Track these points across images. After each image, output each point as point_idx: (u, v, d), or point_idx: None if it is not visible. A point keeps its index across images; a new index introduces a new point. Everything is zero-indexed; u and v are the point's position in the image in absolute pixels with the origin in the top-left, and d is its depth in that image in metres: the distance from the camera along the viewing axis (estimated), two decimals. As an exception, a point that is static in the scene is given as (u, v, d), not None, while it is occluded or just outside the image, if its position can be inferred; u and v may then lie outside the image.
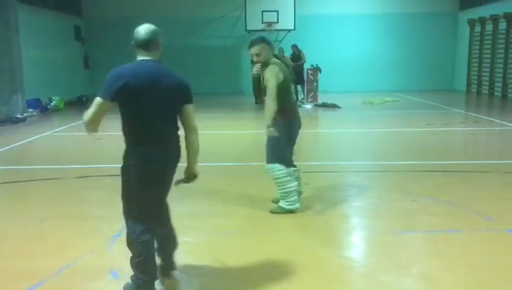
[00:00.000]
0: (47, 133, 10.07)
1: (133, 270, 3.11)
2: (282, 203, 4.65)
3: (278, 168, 4.55)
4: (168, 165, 3.13)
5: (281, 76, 4.39)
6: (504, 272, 3.43)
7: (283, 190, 4.61)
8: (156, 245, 3.21)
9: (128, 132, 2.98)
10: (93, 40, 18.66)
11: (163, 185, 3.18)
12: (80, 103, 15.20)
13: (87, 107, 2.99)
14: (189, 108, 3.15)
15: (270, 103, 4.39)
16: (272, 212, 4.68)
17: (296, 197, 4.64)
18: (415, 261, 3.66)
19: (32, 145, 8.85)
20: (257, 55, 4.47)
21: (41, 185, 6.00)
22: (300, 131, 4.71)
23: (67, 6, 17.20)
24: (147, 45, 3.06)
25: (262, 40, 4.55)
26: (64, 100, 14.63)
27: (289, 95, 4.58)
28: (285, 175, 4.57)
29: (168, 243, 3.37)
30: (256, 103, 14.65)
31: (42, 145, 8.96)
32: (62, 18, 16.84)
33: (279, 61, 4.55)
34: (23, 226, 4.47)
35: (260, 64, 4.52)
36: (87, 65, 18.50)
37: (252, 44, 4.51)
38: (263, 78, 4.46)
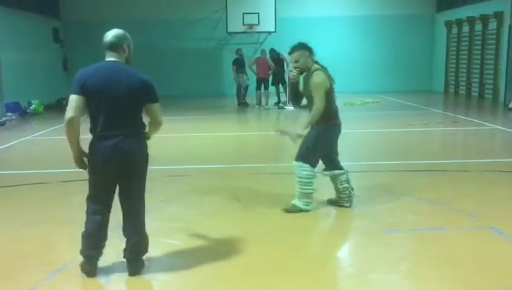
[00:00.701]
0: (27, 137, 9.93)
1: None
2: (297, 202, 4.71)
3: (306, 169, 4.59)
4: (110, 159, 3.31)
5: (327, 82, 4.46)
6: (489, 269, 3.53)
7: (302, 190, 4.66)
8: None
9: (90, 125, 3.36)
10: (72, 42, 18.44)
11: (107, 178, 3.39)
12: (59, 107, 14.99)
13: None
14: (152, 107, 3.42)
15: (318, 109, 4.43)
16: (286, 210, 4.73)
17: (311, 200, 4.73)
18: (402, 259, 3.73)
19: (13, 150, 8.71)
20: (296, 61, 4.53)
21: (25, 190, 5.92)
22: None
23: (45, 9, 16.97)
24: (111, 47, 3.37)
25: (302, 46, 4.57)
26: (44, 104, 14.43)
27: (333, 100, 4.60)
28: (309, 177, 4.62)
29: (130, 240, 3.51)
30: (277, 104, 14.51)
31: (23, 149, 8.83)
32: (40, 20, 16.61)
33: (322, 67, 4.57)
34: (8, 232, 4.41)
35: (297, 70, 4.56)
36: (66, 68, 18.27)
37: (292, 50, 4.56)
38: (303, 83, 4.54)
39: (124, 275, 3.56)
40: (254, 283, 3.40)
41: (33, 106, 13.80)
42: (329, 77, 4.53)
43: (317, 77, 4.45)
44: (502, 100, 14.33)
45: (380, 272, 3.52)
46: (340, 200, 4.86)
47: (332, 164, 4.79)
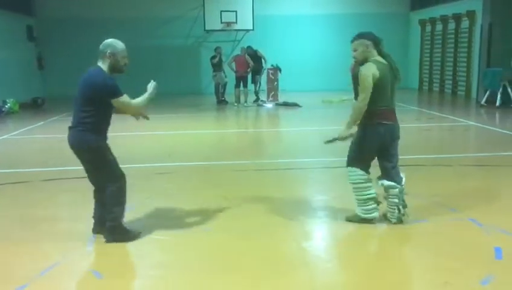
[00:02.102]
0: (4, 136, 9.77)
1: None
2: (358, 211, 4.31)
3: (356, 172, 4.21)
4: (70, 146, 3.89)
5: (378, 74, 3.97)
6: (469, 257, 3.69)
7: (360, 197, 4.25)
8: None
9: None
10: (46, 40, 18.13)
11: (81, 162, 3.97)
12: (35, 105, 14.77)
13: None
14: (117, 101, 3.88)
15: (359, 105, 4.04)
16: (348, 220, 4.39)
17: (374, 205, 4.26)
18: (386, 250, 3.87)
19: (-9, 149, 8.58)
20: (354, 50, 4.15)
21: (8, 189, 5.86)
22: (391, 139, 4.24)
23: (19, 6, 16.63)
24: (98, 53, 3.91)
25: (363, 35, 4.17)
26: (19, 102, 14.18)
27: (384, 97, 4.09)
28: (363, 181, 4.20)
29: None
30: (256, 102, 14.60)
31: (1, 149, 8.69)
32: (14, 18, 16.28)
33: (380, 60, 4.10)
34: (-5, 231, 4.40)
35: (355, 61, 4.20)
36: (41, 66, 17.97)
37: (353, 38, 4.19)
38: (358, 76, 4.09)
39: (117, 272, 3.60)
40: (243, 276, 3.48)
41: (8, 104, 13.54)
42: (383, 71, 4.03)
43: (363, 68, 4.02)
44: (474, 96, 14.74)
45: (365, 262, 3.64)
46: (388, 214, 4.36)
47: (384, 171, 4.28)
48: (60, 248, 3.81)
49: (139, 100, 4.10)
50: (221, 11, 17.18)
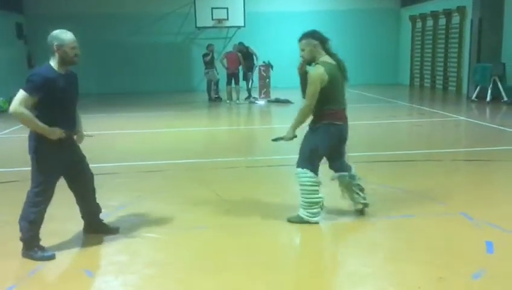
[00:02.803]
0: (-6, 135, 9.69)
1: None
2: (301, 213, 4.29)
3: (306, 174, 4.18)
4: None
5: (326, 77, 3.99)
6: (461, 251, 3.71)
7: (306, 199, 4.23)
8: None
9: None
10: (36, 38, 17.92)
11: None
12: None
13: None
14: (18, 92, 3.51)
15: (306, 106, 4.08)
16: (289, 221, 4.34)
17: (318, 210, 4.26)
18: (379, 245, 3.87)
19: (-20, 148, 8.50)
20: (302, 50, 4.13)
21: (-2, 189, 5.81)
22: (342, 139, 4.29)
23: (7, 3, 16.46)
24: (47, 49, 3.63)
25: (310, 34, 4.14)
26: (9, 101, 14.03)
27: (335, 98, 4.11)
28: (312, 183, 4.18)
29: None
30: (248, 99, 14.58)
31: (-9, 148, 8.62)
32: (3, 15, 16.12)
33: (328, 60, 4.10)
34: (-15, 231, 4.36)
35: (304, 61, 4.18)
36: (30, 64, 17.78)
37: (300, 38, 4.16)
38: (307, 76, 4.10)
39: (109, 270, 3.58)
40: (236, 274, 3.47)
41: (-2, 103, 13.43)
42: (331, 71, 4.04)
43: (313, 71, 4.03)
44: (465, 92, 14.82)
45: (358, 258, 3.65)
46: (351, 202, 4.50)
47: (334, 168, 4.40)
48: (49, 247, 3.77)
49: (29, 117, 3.49)
50: (212, 8, 17.13)
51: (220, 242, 4.04)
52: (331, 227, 4.38)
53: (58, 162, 3.71)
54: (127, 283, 3.34)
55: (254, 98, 14.70)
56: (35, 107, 3.52)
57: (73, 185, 3.95)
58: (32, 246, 3.65)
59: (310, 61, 4.13)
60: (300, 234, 4.29)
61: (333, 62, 4.12)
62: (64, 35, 3.62)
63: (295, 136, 4.27)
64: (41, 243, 3.72)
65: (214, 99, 14.90)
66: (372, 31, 19.45)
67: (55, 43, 3.58)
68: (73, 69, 3.86)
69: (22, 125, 3.62)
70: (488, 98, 12.77)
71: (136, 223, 4.43)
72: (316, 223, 4.26)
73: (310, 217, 4.24)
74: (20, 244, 3.69)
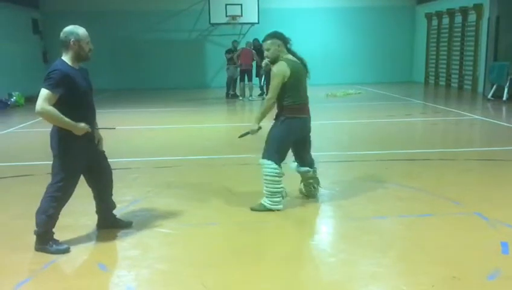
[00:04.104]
0: (9, 130, 9.81)
1: None
2: (264, 201, 4.54)
3: (271, 166, 4.42)
4: None
5: (288, 73, 4.27)
6: (475, 251, 3.67)
7: (269, 189, 4.49)
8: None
9: None
10: (51, 33, 18.09)
11: None
12: (39, 99, 14.79)
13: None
14: (41, 90, 3.51)
15: (267, 101, 4.38)
16: (252, 209, 4.58)
17: (280, 199, 4.54)
18: (391, 244, 3.84)
19: (-4, 142, 8.61)
20: (267, 50, 4.38)
21: (12, 182, 5.88)
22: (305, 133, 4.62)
23: (24, -1, 16.67)
24: (61, 44, 3.65)
25: (274, 34, 4.41)
26: (25, 96, 14.21)
27: (298, 92, 4.41)
28: (276, 175, 4.44)
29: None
30: (261, 95, 14.59)
31: (7, 142, 8.72)
32: (19, 11, 16.30)
33: (291, 58, 4.38)
34: (0, 223, 4.41)
35: (268, 59, 4.42)
36: (46, 59, 17.98)
37: (264, 38, 4.42)
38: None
39: (122, 265, 3.61)
40: (247, 269, 3.48)
41: (14, 98, 13.59)
42: (294, 67, 4.31)
43: (276, 66, 4.31)
44: (481, 91, 14.64)
45: (371, 257, 3.62)
46: (304, 191, 4.92)
47: (299, 159, 4.71)
48: (64, 241, 3.81)
49: (56, 114, 3.50)
50: (226, 5, 17.14)
51: (231, 238, 4.04)
52: (344, 226, 4.36)
53: (82, 158, 3.74)
54: (140, 277, 3.36)
55: (266, 94, 14.66)
56: (57, 104, 3.52)
57: (93, 181, 3.97)
58: (47, 240, 3.69)
59: (275, 59, 4.37)
60: (312, 232, 4.28)
61: (296, 60, 4.39)
62: (79, 30, 3.66)
63: (260, 128, 4.52)
64: (56, 236, 3.76)
65: (230, 96, 14.89)
66: (387, 28, 19.31)
67: (72, 39, 3.60)
68: (88, 64, 3.88)
69: (47, 122, 3.61)
70: (505, 97, 12.60)
71: (149, 218, 4.45)
72: (278, 210, 4.51)
73: (272, 204, 4.51)
74: (34, 238, 3.72)
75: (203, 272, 3.42)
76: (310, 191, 4.88)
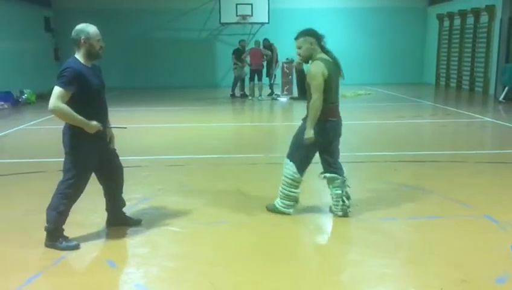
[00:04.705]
0: (21, 126, 9.90)
1: None
2: (277, 202, 4.45)
3: (291, 168, 4.28)
4: None
5: (326, 73, 4.04)
6: (485, 254, 3.65)
7: (284, 190, 4.36)
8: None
9: None
10: (63, 31, 18.24)
11: None
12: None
13: None
14: (54, 88, 3.54)
15: (315, 101, 4.05)
16: (267, 207, 4.55)
17: (292, 203, 4.40)
18: (400, 246, 3.83)
19: (8, 139, 8.69)
20: (298, 48, 4.16)
21: (23, 179, 5.94)
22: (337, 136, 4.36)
23: (36, -3, 16.81)
24: (72, 42, 3.68)
25: (307, 32, 4.16)
26: (36, 93, 14.33)
27: (330, 94, 4.15)
28: (294, 179, 4.30)
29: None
30: (270, 95, 14.69)
31: (18, 138, 8.81)
32: (31, 8, 16.44)
33: (326, 57, 4.16)
34: (12, 219, 4.46)
35: (300, 58, 4.21)
36: (57, 57, 18.12)
37: (296, 36, 4.18)
38: (306, 74, 4.15)
39: (131, 262, 3.64)
40: (255, 269, 3.48)
41: (25, 95, 13.71)
42: (330, 68, 4.10)
43: (313, 67, 4.08)
44: (492, 93, 14.52)
45: (380, 258, 3.61)
46: (332, 207, 4.47)
47: (326, 165, 4.37)
48: (74, 238, 3.85)
49: (69, 112, 3.53)
50: (236, 4, 17.15)
51: (240, 237, 4.05)
52: (353, 227, 4.35)
53: (94, 156, 3.77)
54: (148, 275, 3.38)
55: (276, 94, 14.68)
56: (70, 102, 3.55)
57: (104, 178, 4.00)
58: (57, 236, 3.73)
59: (307, 58, 4.17)
60: (322, 232, 4.28)
61: (330, 59, 4.16)
62: (89, 28, 3.68)
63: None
64: (66, 233, 3.79)
65: (240, 96, 14.90)
66: (398, 29, 19.21)
67: (82, 37, 3.63)
68: (99, 62, 3.91)
69: (60, 119, 3.65)
70: (517, 100, 12.50)
71: (158, 216, 4.48)
72: (288, 214, 4.39)
73: (284, 207, 4.40)
74: (45, 234, 3.76)
75: (212, 270, 3.44)
76: (338, 207, 4.40)
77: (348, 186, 4.42)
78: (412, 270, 3.44)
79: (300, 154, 4.25)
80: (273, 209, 4.48)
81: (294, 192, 4.34)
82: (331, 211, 4.50)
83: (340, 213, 4.39)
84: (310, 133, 4.15)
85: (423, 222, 4.33)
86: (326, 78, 4.05)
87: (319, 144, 4.22)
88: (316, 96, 4.06)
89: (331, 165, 4.35)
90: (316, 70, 4.05)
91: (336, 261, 3.68)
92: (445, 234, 4.05)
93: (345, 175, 4.40)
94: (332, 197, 4.43)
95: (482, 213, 4.47)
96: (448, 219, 4.37)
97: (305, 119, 4.25)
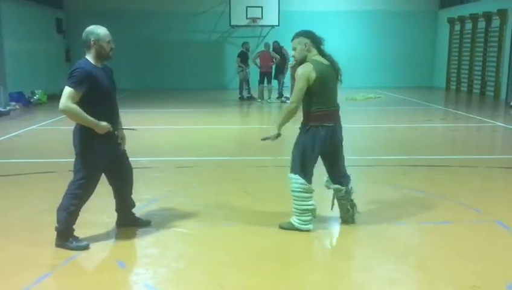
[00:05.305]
0: (33, 127, 9.99)
1: None
2: (293, 220, 4.13)
3: (298, 181, 4.01)
4: None
5: (314, 75, 3.83)
6: (496, 260, 3.61)
7: (298, 206, 4.06)
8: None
9: None
10: (74, 33, 18.38)
11: None
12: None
13: None
14: (64, 88, 3.59)
15: (291, 104, 3.92)
16: (281, 227, 4.20)
17: (310, 218, 4.09)
18: (410, 251, 3.81)
19: (20, 139, 8.77)
20: (293, 49, 4.00)
21: (36, 179, 5.99)
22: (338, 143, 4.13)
23: (49, -1, 16.97)
24: (82, 44, 3.72)
25: (302, 33, 4.00)
26: (47, 94, 14.45)
27: (326, 98, 3.95)
28: (303, 191, 4.01)
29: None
30: (279, 98, 14.60)
31: (30, 139, 8.88)
32: (44, 10, 16.61)
33: (320, 60, 3.95)
34: (23, 218, 4.50)
35: (295, 60, 4.07)
36: (68, 58, 18.27)
37: (293, 37, 4.04)
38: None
39: (140, 262, 3.65)
40: (263, 271, 3.48)
41: (37, 95, 13.84)
42: (321, 70, 3.87)
43: (300, 68, 3.89)
44: (504, 97, 14.41)
45: (389, 263, 3.60)
46: (341, 215, 4.35)
47: (330, 173, 4.20)
48: (83, 238, 3.87)
49: (79, 112, 3.55)
50: (246, 7, 17.21)
51: (248, 239, 4.05)
52: (362, 231, 4.33)
53: (104, 157, 3.79)
54: (157, 275, 3.39)
55: (285, 97, 14.66)
56: (80, 102, 3.57)
57: (114, 179, 4.02)
58: (67, 236, 3.75)
59: (302, 60, 3.97)
60: (330, 236, 4.26)
61: (325, 62, 3.97)
62: (99, 30, 3.71)
63: (279, 135, 4.10)
64: (76, 233, 3.81)
65: (247, 99, 14.92)
66: (408, 32, 19.15)
67: (92, 38, 3.66)
68: (108, 64, 3.93)
69: (71, 120, 3.67)
70: (528, 105, 12.39)
71: (167, 217, 4.49)
72: (307, 231, 4.08)
73: (301, 224, 4.08)
74: (55, 234, 3.78)
75: (220, 272, 3.44)
76: (343, 214, 4.30)
77: (354, 192, 4.26)
78: (421, 275, 3.41)
79: (300, 165, 4.01)
80: (289, 228, 4.15)
81: (309, 204, 4.04)
82: (341, 219, 4.36)
83: (347, 222, 4.30)
84: (273, 131, 4.06)
85: (433, 227, 4.30)
86: (315, 81, 3.85)
87: (318, 152, 4.03)
88: (292, 100, 3.93)
89: (336, 174, 4.19)
90: (301, 72, 3.87)
91: (344, 265, 3.66)
92: (455, 239, 4.02)
93: (350, 184, 4.22)
94: (339, 207, 4.30)
95: (493, 218, 4.44)
96: (459, 224, 4.34)
97: (300, 127, 4.08)
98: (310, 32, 4.04)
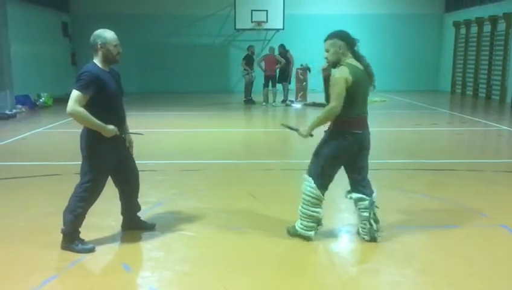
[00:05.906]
0: (38, 129, 10.04)
1: None
2: (297, 225, 4.03)
3: (311, 184, 3.88)
4: None
5: (350, 79, 3.67)
6: (501, 264, 3.60)
7: (304, 210, 3.94)
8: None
9: None
10: (80, 36, 18.48)
11: None
12: (68, 100, 15.08)
13: None
14: (72, 91, 3.61)
15: (331, 108, 3.68)
16: (288, 231, 4.14)
17: (313, 225, 3.96)
18: (415, 255, 3.80)
19: (26, 142, 8.82)
20: (326, 51, 3.82)
21: (42, 181, 6.03)
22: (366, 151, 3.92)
23: (55, 2, 17.08)
24: (90, 48, 3.75)
25: (336, 34, 3.82)
26: (53, 97, 14.53)
27: (356, 104, 3.76)
28: (313, 197, 3.88)
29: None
30: (284, 101, 14.62)
31: (35, 141, 8.93)
32: (50, 14, 16.72)
33: (355, 64, 3.79)
34: (29, 221, 4.52)
35: (328, 62, 3.89)
36: (74, 62, 18.37)
37: (326, 38, 3.84)
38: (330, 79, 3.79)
39: (145, 265, 3.66)
40: (269, 274, 3.48)
41: (43, 98, 13.91)
42: (356, 75, 3.70)
43: (337, 72, 3.71)
44: (509, 101, 14.36)
45: (394, 267, 3.59)
46: (360, 229, 4.08)
47: (353, 183, 3.99)
48: (89, 240, 3.88)
49: (86, 115, 3.57)
50: (252, 10, 17.24)
51: (254, 243, 4.05)
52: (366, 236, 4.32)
53: (111, 160, 3.81)
54: (162, 279, 3.40)
55: (290, 101, 14.68)
56: (87, 106, 3.59)
57: (120, 182, 4.04)
58: (73, 239, 3.77)
59: (335, 63, 3.80)
60: (335, 239, 4.25)
61: (360, 66, 3.80)
62: (106, 33, 3.73)
63: (311, 136, 3.90)
64: (81, 236, 3.83)
65: (249, 102, 14.93)
66: (414, 36, 19.13)
67: (99, 42, 3.68)
68: (115, 67, 3.96)
69: (78, 123, 3.70)
70: (534, 108, 12.33)
71: (173, 220, 4.50)
72: (309, 238, 3.96)
73: (304, 229, 3.97)
74: (61, 236, 3.80)
75: (225, 275, 3.44)
76: (365, 229, 4.01)
77: (377, 207, 4.00)
78: (427, 279, 3.40)
79: (321, 170, 3.84)
80: (294, 233, 4.07)
81: (316, 211, 3.90)
82: (358, 233, 4.12)
83: (367, 237, 3.99)
84: (305, 131, 3.87)
85: (439, 231, 4.29)
86: (350, 85, 3.67)
87: (343, 160, 3.85)
88: (334, 104, 3.68)
89: (359, 183, 3.95)
90: (339, 76, 3.68)
91: (350, 269, 3.66)
92: (461, 244, 4.01)
93: (374, 195, 3.97)
94: (360, 219, 4.03)
95: (499, 223, 4.42)
96: (465, 228, 4.33)
97: (327, 131, 3.89)
98: (343, 33, 3.85)
